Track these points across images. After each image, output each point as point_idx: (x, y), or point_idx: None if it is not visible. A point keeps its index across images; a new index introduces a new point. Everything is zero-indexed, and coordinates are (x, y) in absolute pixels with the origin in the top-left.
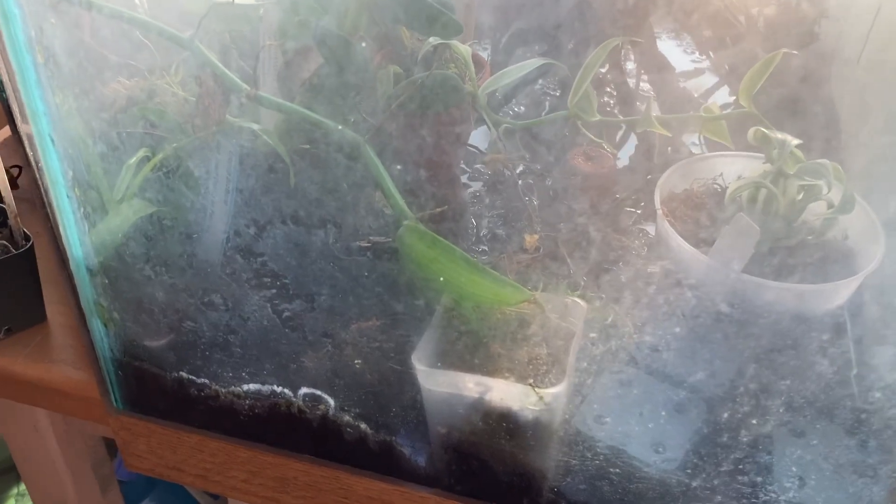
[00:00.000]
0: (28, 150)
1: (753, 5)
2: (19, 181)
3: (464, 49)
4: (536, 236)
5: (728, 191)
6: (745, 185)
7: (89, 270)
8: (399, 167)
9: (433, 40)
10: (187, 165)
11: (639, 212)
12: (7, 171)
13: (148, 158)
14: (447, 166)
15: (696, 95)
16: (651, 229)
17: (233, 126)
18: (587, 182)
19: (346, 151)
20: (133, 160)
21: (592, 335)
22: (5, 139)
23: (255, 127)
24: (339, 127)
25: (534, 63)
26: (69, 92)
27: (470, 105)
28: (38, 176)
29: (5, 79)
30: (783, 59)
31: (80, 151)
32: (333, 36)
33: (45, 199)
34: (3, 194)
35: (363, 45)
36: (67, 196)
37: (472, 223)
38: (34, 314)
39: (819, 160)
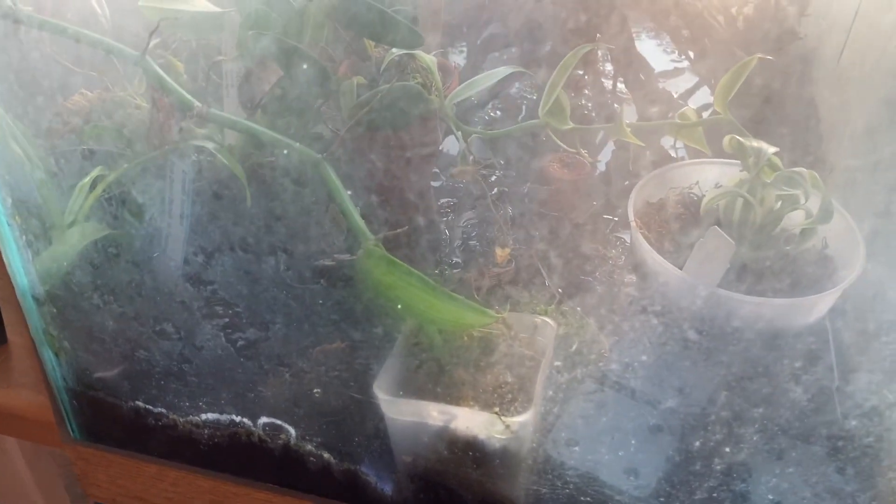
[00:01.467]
0: None
1: (733, 4)
2: None
3: (428, 59)
4: (508, 250)
5: (704, 200)
6: (721, 194)
7: (36, 299)
8: (361, 185)
9: (397, 51)
10: (140, 186)
11: (616, 219)
12: None
13: (103, 178)
14: (414, 180)
15: (675, 96)
16: (628, 237)
17: (188, 145)
18: (563, 189)
19: (303, 171)
20: (87, 180)
21: (563, 357)
22: None
23: (210, 145)
24: (297, 145)
25: (502, 72)
26: (5, 115)
27: (437, 115)
28: None
29: None
30: (764, 59)
31: (20, 177)
32: (292, 48)
33: None
34: None
35: (326, 56)
36: (8, 224)
37: (446, 234)
38: None
39: (796, 168)
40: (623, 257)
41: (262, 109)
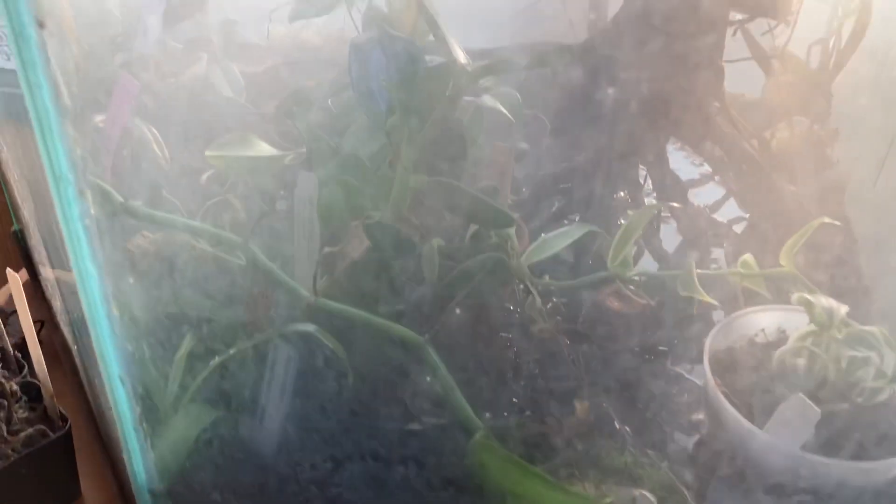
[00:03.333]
0: (52, 299)
1: (766, 129)
2: (41, 337)
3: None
4: (587, 404)
5: (776, 354)
6: (793, 348)
7: (151, 492)
8: (451, 356)
9: None
10: (241, 363)
11: (675, 351)
12: None
13: (198, 349)
14: (501, 347)
15: (704, 207)
16: (686, 372)
17: (292, 330)
18: (620, 322)
19: (407, 354)
20: (182, 352)
21: None
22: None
23: (312, 328)
24: (398, 327)
25: (576, 231)
26: (143, 341)
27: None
28: (95, 404)
29: (31, 223)
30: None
31: (152, 392)
32: (381, 226)
33: (100, 428)
34: (38, 372)
35: (409, 223)
36: (134, 429)
37: (511, 375)
38: (70, 492)
39: (868, 328)
40: (686, 394)
41: (346, 276)
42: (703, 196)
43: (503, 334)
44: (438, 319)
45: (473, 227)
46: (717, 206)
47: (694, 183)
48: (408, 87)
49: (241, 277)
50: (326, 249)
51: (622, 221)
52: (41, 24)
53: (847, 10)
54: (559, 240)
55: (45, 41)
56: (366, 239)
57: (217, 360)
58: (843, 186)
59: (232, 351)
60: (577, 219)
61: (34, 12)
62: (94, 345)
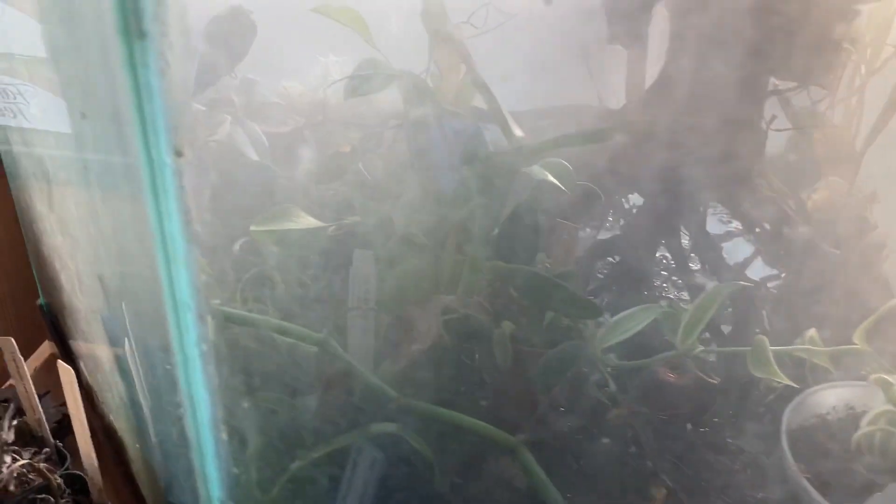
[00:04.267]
0: (89, 377)
1: (801, 189)
2: None
3: None
4: (664, 491)
5: (855, 435)
6: (873, 430)
7: None
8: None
9: None
10: (323, 467)
11: (734, 424)
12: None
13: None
14: (584, 437)
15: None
16: (746, 445)
17: (375, 430)
18: (674, 394)
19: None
20: (252, 448)
21: None
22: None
23: (393, 428)
24: (491, 428)
25: (649, 314)
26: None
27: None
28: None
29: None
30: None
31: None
32: (460, 318)
33: None
34: (87, 467)
35: (480, 307)
36: None
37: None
38: None
39: None
40: (749, 470)
41: (419, 367)
42: (731, 252)
43: (583, 422)
44: (532, 418)
45: (550, 314)
46: (746, 262)
47: (721, 238)
48: (474, 169)
49: (309, 365)
50: (406, 346)
51: (665, 285)
52: (179, 153)
53: (871, 68)
54: (631, 322)
55: (181, 170)
56: (431, 324)
57: (297, 463)
58: (882, 248)
59: (312, 452)
60: (615, 287)
61: (174, 142)
62: (198, 468)
